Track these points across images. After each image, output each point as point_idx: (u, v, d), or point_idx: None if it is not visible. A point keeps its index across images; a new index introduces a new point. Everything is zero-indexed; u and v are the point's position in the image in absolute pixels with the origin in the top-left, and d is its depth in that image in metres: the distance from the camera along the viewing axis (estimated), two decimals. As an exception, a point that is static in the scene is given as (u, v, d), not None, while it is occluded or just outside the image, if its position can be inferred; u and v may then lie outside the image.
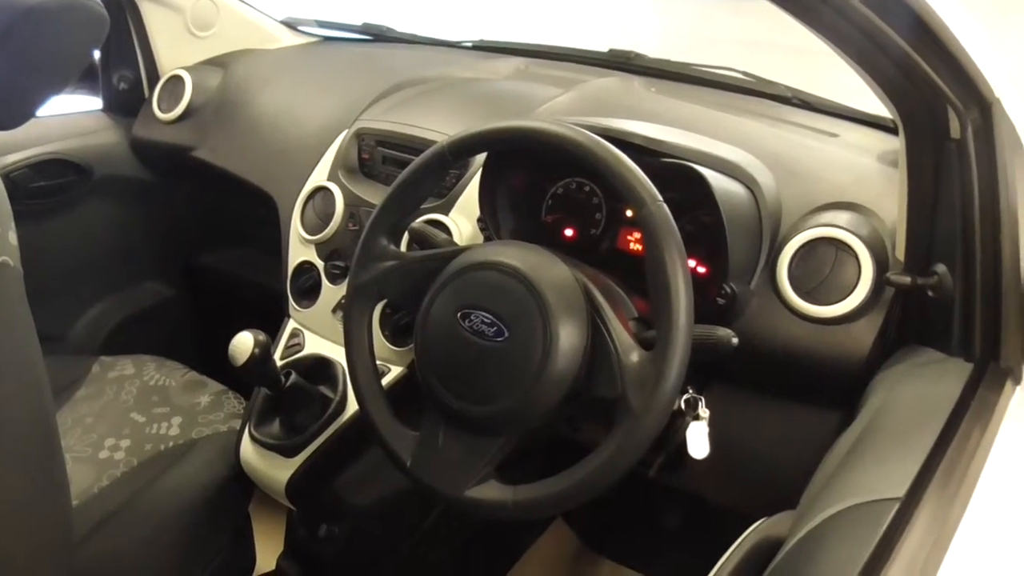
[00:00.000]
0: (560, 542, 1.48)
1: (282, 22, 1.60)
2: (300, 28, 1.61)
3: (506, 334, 0.74)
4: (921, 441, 0.65)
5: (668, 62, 1.35)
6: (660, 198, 0.72)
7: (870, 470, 0.65)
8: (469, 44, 1.53)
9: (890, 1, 0.58)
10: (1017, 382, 0.77)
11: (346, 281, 1.08)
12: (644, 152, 0.86)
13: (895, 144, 0.91)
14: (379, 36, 1.59)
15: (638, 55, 1.38)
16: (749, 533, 0.69)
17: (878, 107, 0.80)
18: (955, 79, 0.69)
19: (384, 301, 0.97)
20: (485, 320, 0.75)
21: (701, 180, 0.82)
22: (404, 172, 0.86)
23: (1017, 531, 0.61)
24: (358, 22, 1.61)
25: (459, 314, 0.77)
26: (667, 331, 0.69)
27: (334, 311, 1.12)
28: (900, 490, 0.59)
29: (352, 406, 1.03)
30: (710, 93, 1.26)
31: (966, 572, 0.55)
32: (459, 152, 0.82)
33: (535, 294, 0.74)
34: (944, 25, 0.63)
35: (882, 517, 0.56)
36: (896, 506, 0.57)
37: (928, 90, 0.70)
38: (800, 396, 0.91)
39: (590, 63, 1.41)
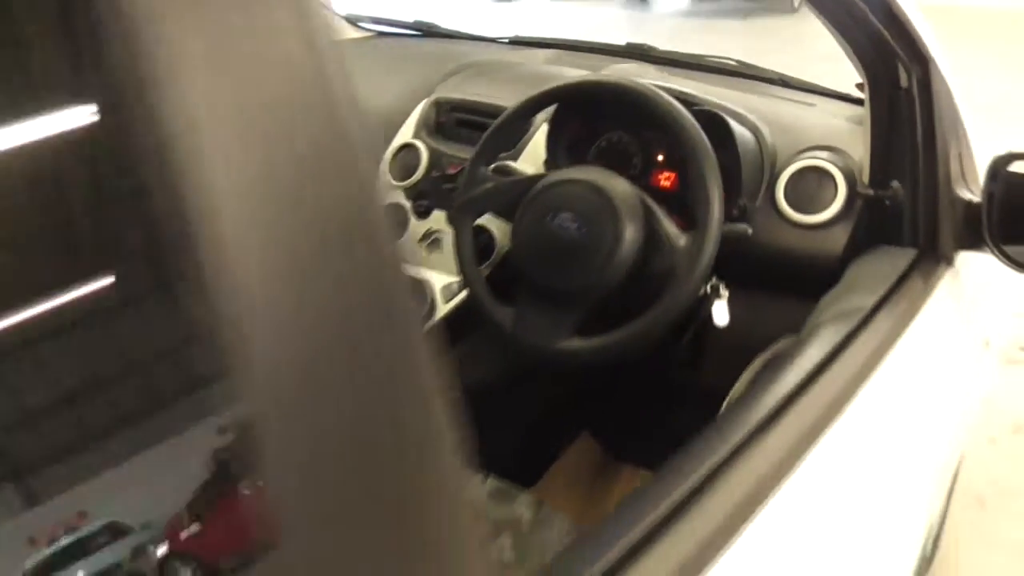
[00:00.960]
0: (584, 453, 1.76)
1: (344, 17, 1.88)
2: (360, 24, 1.89)
3: (584, 229, 1.03)
4: (871, 295, 0.94)
5: (677, 53, 1.66)
6: (703, 133, 1.01)
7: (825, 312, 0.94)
8: (507, 39, 1.82)
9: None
10: (949, 264, 1.07)
11: (431, 216, 1.36)
12: (681, 102, 1.15)
13: (858, 111, 1.22)
14: (428, 32, 1.87)
15: (652, 47, 1.68)
16: (762, 354, 0.99)
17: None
18: (904, 43, 0.99)
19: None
20: (568, 219, 1.04)
21: (724, 123, 1.12)
22: (500, 117, 1.14)
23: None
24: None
25: (548, 216, 1.05)
26: (705, 220, 0.98)
27: (419, 241, 1.40)
28: (851, 322, 0.88)
29: (439, 312, 1.31)
30: (712, 77, 1.56)
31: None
32: (549, 100, 1.11)
33: (605, 199, 1.03)
34: (898, 2, 0.94)
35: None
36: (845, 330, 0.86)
37: (885, 51, 1.01)
38: (793, 289, 1.21)
39: (611, 54, 1.71)
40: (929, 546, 1.42)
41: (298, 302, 0.30)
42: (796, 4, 7.69)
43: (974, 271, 1.21)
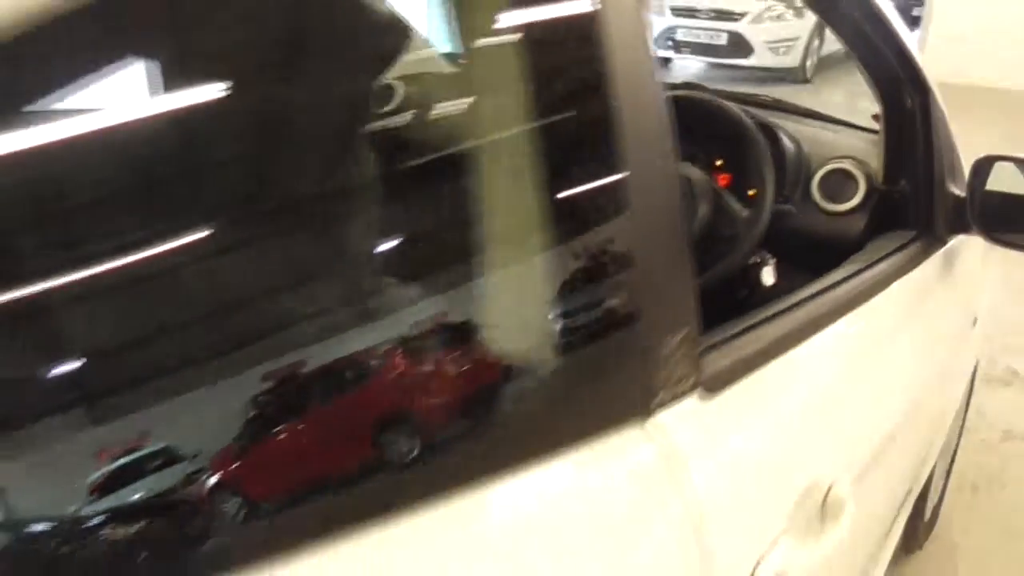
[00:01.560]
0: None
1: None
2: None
3: None
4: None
5: (720, 90, 2.03)
6: (761, 135, 1.37)
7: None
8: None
9: (879, 26, 1.25)
10: (942, 243, 1.42)
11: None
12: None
13: (871, 137, 1.57)
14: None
15: (699, 84, 2.05)
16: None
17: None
18: (911, 77, 1.36)
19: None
20: None
21: (774, 132, 1.48)
22: None
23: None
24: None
25: None
26: (761, 197, 1.33)
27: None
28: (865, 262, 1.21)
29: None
30: (756, 110, 1.93)
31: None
32: None
33: (684, 181, 1.38)
34: (906, 43, 1.31)
35: None
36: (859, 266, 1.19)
37: (897, 82, 1.37)
38: (822, 263, 1.55)
39: (669, 87, 2.08)
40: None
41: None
42: (809, 75, 8.20)
43: (967, 267, 1.56)
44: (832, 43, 9.62)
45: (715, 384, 0.70)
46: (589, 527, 0.55)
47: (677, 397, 0.65)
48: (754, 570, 0.65)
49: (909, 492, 1.61)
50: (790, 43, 7.96)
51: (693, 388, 0.67)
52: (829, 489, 0.78)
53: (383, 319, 0.52)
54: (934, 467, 1.82)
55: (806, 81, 8.16)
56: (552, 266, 0.59)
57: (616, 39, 0.59)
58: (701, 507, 0.61)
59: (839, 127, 1.81)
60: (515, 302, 0.58)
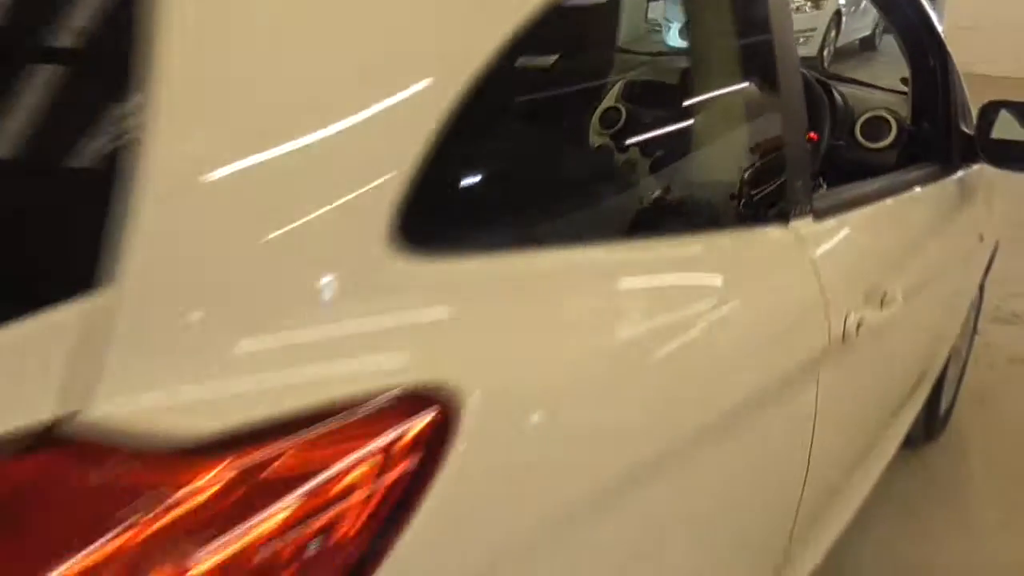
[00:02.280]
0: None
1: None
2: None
3: None
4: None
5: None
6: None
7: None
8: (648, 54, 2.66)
9: (914, 5, 1.70)
10: (956, 170, 1.86)
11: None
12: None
13: (900, 98, 2.01)
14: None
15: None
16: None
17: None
18: (933, 43, 1.81)
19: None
20: None
21: (829, 89, 1.92)
22: None
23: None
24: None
25: None
26: (820, 137, 1.78)
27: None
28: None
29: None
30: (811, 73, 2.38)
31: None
32: None
33: None
34: (932, 18, 1.75)
35: None
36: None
37: (922, 46, 1.82)
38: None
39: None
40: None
41: None
42: (826, 65, 8.61)
43: (975, 195, 2.00)
44: (847, 35, 10.04)
45: (820, 215, 1.15)
46: (766, 265, 1.02)
47: (801, 216, 1.11)
48: (846, 318, 1.10)
49: (932, 361, 2.04)
50: (809, 34, 8.36)
51: (809, 214, 1.13)
52: (885, 293, 1.22)
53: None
54: (948, 361, 2.25)
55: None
56: (750, 138, 1.07)
57: (776, 15, 1.07)
58: (816, 270, 1.07)
59: (874, 89, 2.25)
60: (739, 155, 1.07)
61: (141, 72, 0.52)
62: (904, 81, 2.05)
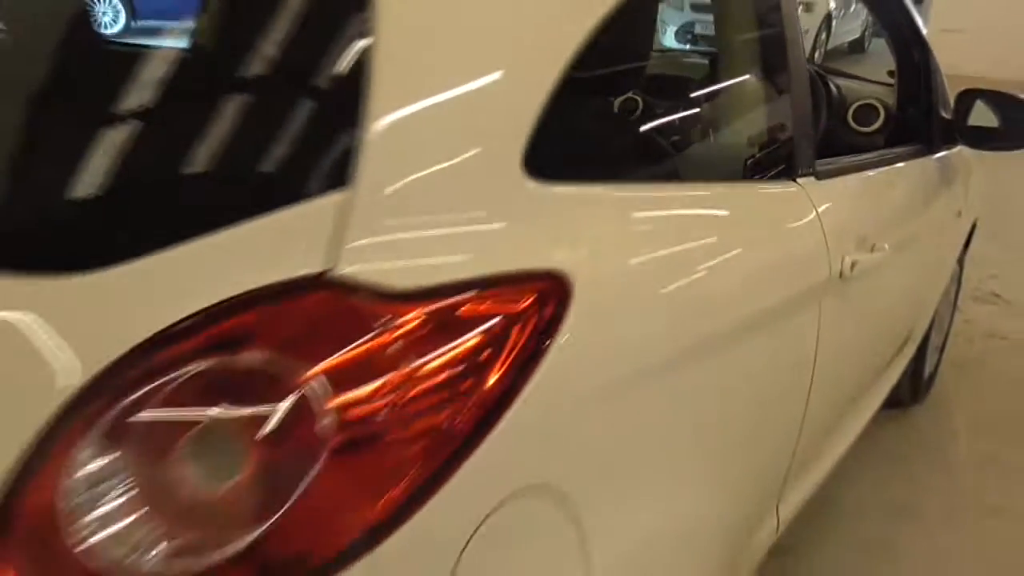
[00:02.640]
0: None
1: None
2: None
3: None
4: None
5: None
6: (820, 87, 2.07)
7: None
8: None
9: (900, 7, 1.96)
10: (936, 151, 2.11)
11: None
12: None
13: (887, 89, 2.27)
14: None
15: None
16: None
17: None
18: (916, 39, 2.06)
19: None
20: None
21: (825, 79, 2.17)
22: None
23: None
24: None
25: None
26: (817, 121, 2.03)
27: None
28: None
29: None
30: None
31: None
32: None
33: None
34: (916, 18, 2.01)
35: None
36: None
37: (906, 42, 2.07)
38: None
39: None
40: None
41: None
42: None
43: (953, 175, 2.25)
44: (837, 37, 10.35)
45: (821, 176, 1.40)
46: (781, 207, 1.27)
47: (806, 176, 1.36)
48: (843, 258, 1.34)
49: (916, 319, 2.29)
50: (800, 36, 8.64)
51: (813, 175, 1.38)
52: (874, 243, 1.47)
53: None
54: (930, 329, 2.51)
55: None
56: (768, 113, 1.33)
57: (786, 15, 1.32)
58: (819, 217, 1.31)
59: (864, 81, 2.51)
60: (761, 126, 1.33)
61: (373, 25, 0.76)
62: (890, 74, 2.30)
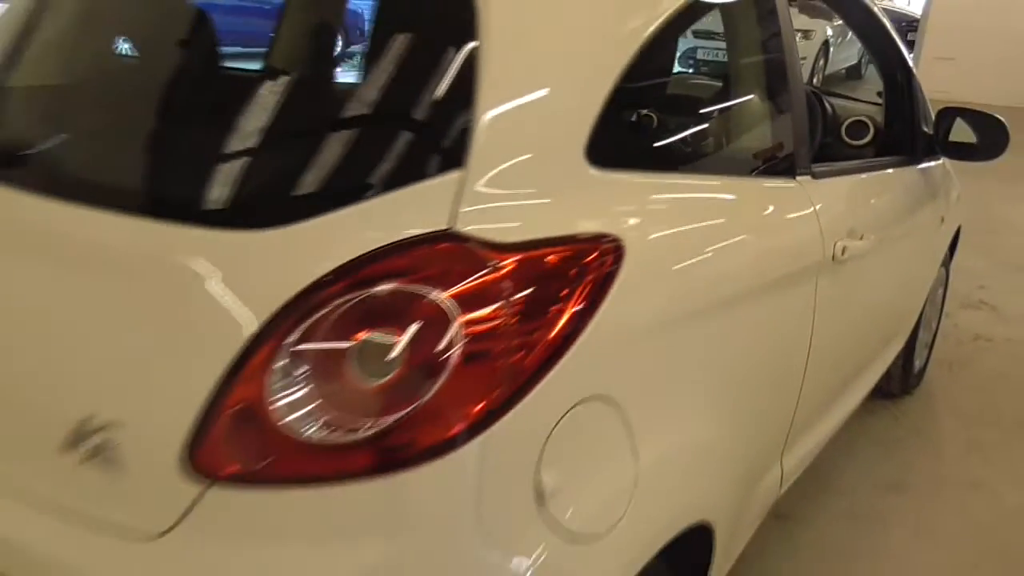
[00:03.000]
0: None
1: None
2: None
3: None
4: None
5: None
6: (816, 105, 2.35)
7: None
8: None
9: (886, 36, 2.24)
10: (919, 163, 2.39)
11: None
12: None
13: (876, 108, 2.55)
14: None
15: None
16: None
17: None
18: (900, 63, 2.34)
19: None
20: None
21: (821, 97, 2.44)
22: None
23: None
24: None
25: None
26: (813, 135, 2.30)
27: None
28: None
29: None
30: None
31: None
32: None
33: None
34: (900, 45, 2.29)
35: None
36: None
37: (893, 65, 2.35)
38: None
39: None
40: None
41: None
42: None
43: (936, 184, 2.52)
44: (835, 64, 10.70)
45: (817, 176, 1.67)
46: (784, 198, 1.54)
47: (804, 175, 1.62)
48: (835, 244, 1.61)
49: (904, 314, 2.56)
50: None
51: (810, 174, 1.64)
52: (863, 234, 1.74)
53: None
54: (918, 325, 2.76)
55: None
56: (775, 122, 1.60)
57: (787, 45, 1.60)
58: (816, 208, 1.58)
59: (856, 101, 2.79)
60: (763, 131, 1.61)
61: (481, 60, 1.03)
62: (879, 94, 2.58)
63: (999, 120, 2.27)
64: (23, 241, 1.14)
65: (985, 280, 4.18)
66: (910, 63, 2.38)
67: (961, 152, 2.33)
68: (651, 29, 1.24)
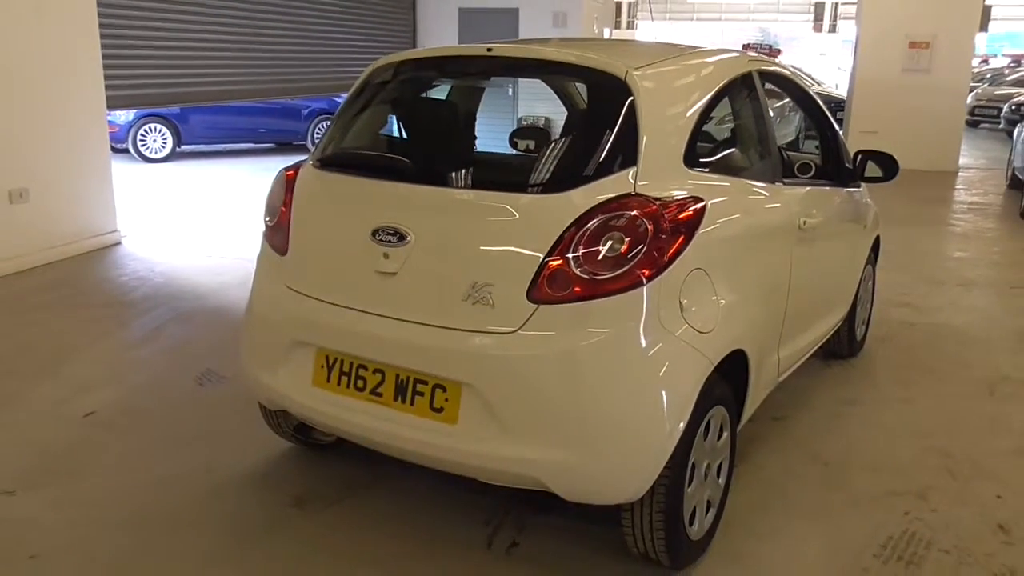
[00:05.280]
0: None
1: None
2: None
3: None
4: None
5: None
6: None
7: None
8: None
9: (820, 113, 3.59)
10: (845, 187, 3.70)
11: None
12: None
13: (816, 155, 3.88)
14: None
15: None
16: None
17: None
18: (830, 129, 3.69)
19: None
20: None
21: (781, 151, 3.76)
22: None
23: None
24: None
25: None
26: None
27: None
28: None
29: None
30: None
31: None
32: None
33: None
34: (829, 117, 3.64)
35: None
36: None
37: (826, 130, 3.69)
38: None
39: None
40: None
41: None
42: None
43: (859, 203, 3.82)
44: (778, 139, 12.32)
45: (787, 184, 2.96)
46: (772, 195, 2.82)
47: (777, 183, 2.91)
48: (800, 219, 2.88)
49: (845, 283, 3.84)
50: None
51: (781, 183, 2.93)
52: (814, 213, 3.03)
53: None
54: (855, 301, 4.02)
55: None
56: (761, 156, 2.94)
57: (766, 119, 2.93)
58: (788, 200, 2.86)
59: (803, 152, 4.13)
60: (760, 156, 2.98)
61: (639, 111, 2.32)
62: (817, 147, 3.92)
63: (891, 156, 3.61)
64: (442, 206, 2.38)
65: (908, 289, 5.52)
66: (836, 126, 3.72)
67: (872, 180, 3.66)
68: (700, 105, 2.53)
